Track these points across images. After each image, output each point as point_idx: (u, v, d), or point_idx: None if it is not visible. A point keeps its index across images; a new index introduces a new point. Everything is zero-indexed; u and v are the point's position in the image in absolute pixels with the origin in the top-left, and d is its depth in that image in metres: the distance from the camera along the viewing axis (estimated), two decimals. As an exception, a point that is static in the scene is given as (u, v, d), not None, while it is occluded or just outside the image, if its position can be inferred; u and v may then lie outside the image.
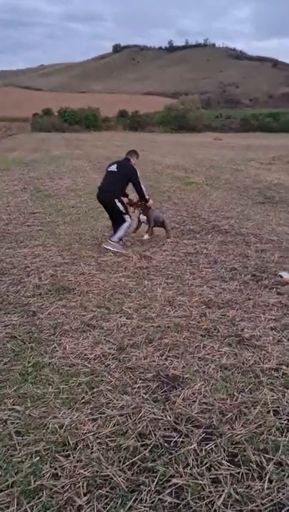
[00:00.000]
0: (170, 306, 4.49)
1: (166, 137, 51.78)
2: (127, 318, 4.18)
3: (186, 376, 3.19)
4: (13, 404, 2.83)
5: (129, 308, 4.43)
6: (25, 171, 17.17)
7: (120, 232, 6.67)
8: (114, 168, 6.72)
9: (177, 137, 52.32)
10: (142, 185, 6.78)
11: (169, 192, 12.42)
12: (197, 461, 2.36)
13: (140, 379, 3.14)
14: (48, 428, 2.61)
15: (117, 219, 6.76)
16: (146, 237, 7.23)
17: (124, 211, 6.67)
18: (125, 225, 6.68)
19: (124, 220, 6.68)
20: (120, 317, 4.21)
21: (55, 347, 3.62)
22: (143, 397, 2.93)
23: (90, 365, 3.32)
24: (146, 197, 6.90)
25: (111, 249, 6.50)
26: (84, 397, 2.92)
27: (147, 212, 7.12)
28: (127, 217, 6.70)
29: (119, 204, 6.62)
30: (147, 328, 4.00)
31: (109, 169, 6.77)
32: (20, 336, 3.83)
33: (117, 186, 6.69)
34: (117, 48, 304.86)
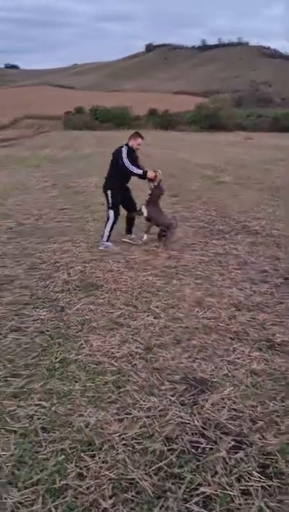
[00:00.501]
0: (198, 307, 4.41)
1: (197, 136, 51.38)
2: (154, 318, 4.12)
3: (214, 380, 3.10)
4: (40, 400, 2.81)
5: (157, 307, 4.36)
6: (55, 168, 17.33)
7: (105, 231, 6.59)
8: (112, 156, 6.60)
9: (207, 136, 51.82)
10: (130, 165, 6.34)
11: (198, 191, 12.28)
12: (226, 470, 2.28)
13: (167, 380, 3.08)
14: (74, 426, 2.57)
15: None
16: (145, 237, 6.86)
17: (110, 205, 6.56)
18: (108, 222, 6.58)
19: (107, 217, 6.62)
20: (148, 316, 4.15)
21: (82, 344, 3.59)
22: (170, 399, 2.86)
23: (116, 364, 3.28)
24: (140, 172, 6.40)
25: (103, 248, 6.46)
26: (110, 396, 2.87)
27: (155, 199, 6.72)
28: (110, 212, 6.57)
29: (109, 196, 6.56)
30: (175, 328, 3.93)
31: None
32: (48, 331, 3.82)
33: (110, 174, 6.61)
34: (149, 47, 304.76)
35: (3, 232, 7.44)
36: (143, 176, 6.44)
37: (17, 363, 3.27)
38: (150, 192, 6.70)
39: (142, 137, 6.60)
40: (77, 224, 8.15)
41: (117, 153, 6.47)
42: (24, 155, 23.31)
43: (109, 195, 6.55)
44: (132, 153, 6.45)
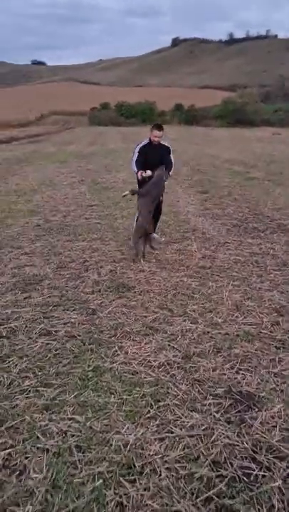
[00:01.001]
0: (238, 312, 4.14)
1: (223, 131, 50.62)
2: (191, 323, 3.87)
3: (262, 395, 2.84)
4: (74, 414, 2.61)
5: (194, 311, 4.11)
6: (82, 164, 17.20)
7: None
8: None
9: (234, 131, 50.99)
10: (132, 162, 6.06)
11: (228, 187, 11.93)
12: (283, 503, 2.02)
13: (210, 394, 2.83)
14: (112, 445, 2.35)
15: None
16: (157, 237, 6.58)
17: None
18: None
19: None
20: (184, 321, 3.91)
21: (116, 350, 3.38)
22: (214, 416, 2.61)
23: (154, 374, 3.05)
24: (134, 169, 6.02)
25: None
26: (149, 411, 2.65)
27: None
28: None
29: None
30: (214, 335, 3.67)
31: None
32: (79, 335, 3.63)
33: None
34: (175, 42, 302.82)
35: (31, 230, 7.30)
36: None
37: (48, 370, 3.08)
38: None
39: (158, 129, 6.12)
40: (106, 221, 7.95)
41: None
42: (50, 151, 23.32)
43: None
44: (147, 147, 6.14)
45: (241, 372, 3.12)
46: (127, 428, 2.48)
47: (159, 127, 6.10)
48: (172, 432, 2.46)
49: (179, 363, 3.21)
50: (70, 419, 2.55)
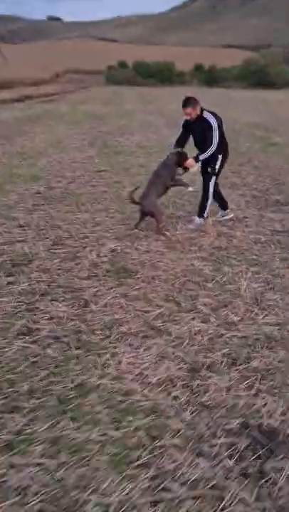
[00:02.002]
0: (257, 307, 3.46)
1: (244, 93, 48.40)
2: (202, 322, 3.21)
3: (288, 432, 2.20)
4: (42, 456, 2.00)
5: (205, 305, 3.45)
6: (95, 125, 16.26)
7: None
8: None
9: (255, 93, 48.67)
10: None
11: (248, 153, 11.00)
12: None
13: (222, 429, 2.20)
14: (85, 512, 1.74)
15: None
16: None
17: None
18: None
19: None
20: (193, 319, 3.25)
21: (107, 359, 2.75)
22: (226, 465, 1.99)
23: (151, 396, 2.42)
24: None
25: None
26: (141, 455, 2.02)
27: None
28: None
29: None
30: (229, 339, 3.02)
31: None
32: (66, 336, 3.00)
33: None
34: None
35: (30, 197, 6.62)
36: None
37: (20, 386, 2.47)
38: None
39: (184, 106, 5.24)
40: (114, 189, 7.22)
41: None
42: (63, 110, 22.31)
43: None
44: (189, 121, 5.30)
45: (261, 394, 2.47)
46: (110, 482, 1.86)
47: (184, 104, 5.21)
48: (169, 490, 1.84)
49: (183, 380, 2.57)
50: (36, 465, 1.94)
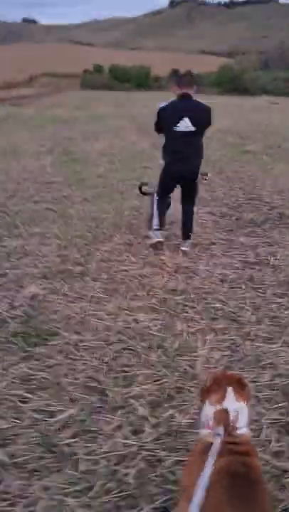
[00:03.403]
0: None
1: (218, 99, 47.76)
2: (133, 434, 2.11)
3: None
4: None
5: (142, 397, 2.36)
6: (60, 130, 15.16)
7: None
8: (189, 123, 4.13)
9: (230, 99, 48.11)
10: None
11: (220, 162, 10.06)
12: None
13: None
14: None
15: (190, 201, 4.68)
16: None
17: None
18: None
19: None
20: (118, 429, 2.14)
21: None
22: None
23: None
24: None
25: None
26: None
27: None
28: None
29: (198, 185, 4.68)
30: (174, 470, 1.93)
31: (181, 127, 4.16)
32: None
33: (198, 152, 4.43)
34: (173, 3, 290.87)
35: None
36: None
37: None
38: None
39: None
40: (60, 206, 6.14)
41: (207, 111, 4.31)
42: (30, 114, 21.20)
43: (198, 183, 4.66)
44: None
45: None
46: None
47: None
48: None
49: None
50: None
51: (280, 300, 3.52)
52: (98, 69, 73.90)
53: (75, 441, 2.01)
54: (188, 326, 3.04)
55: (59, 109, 24.95)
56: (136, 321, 3.08)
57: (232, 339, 2.90)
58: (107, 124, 17.65)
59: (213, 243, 4.86)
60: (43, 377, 2.46)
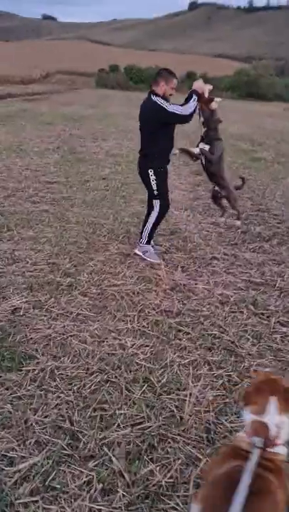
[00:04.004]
0: (208, 446, 2.08)
1: (233, 103, 47.47)
2: (103, 496, 1.78)
3: None
4: None
5: (118, 444, 2.04)
6: (68, 128, 14.87)
7: (148, 227, 4.29)
8: (141, 119, 4.27)
9: (244, 104, 47.74)
10: (180, 107, 4.05)
11: (230, 169, 9.71)
12: None
13: None
14: None
15: (148, 202, 4.37)
16: (238, 223, 5.67)
17: (156, 189, 4.16)
18: (153, 215, 4.26)
19: (151, 207, 4.27)
20: (86, 486, 1.82)
21: None
22: None
23: None
24: (194, 103, 4.14)
25: (141, 255, 4.27)
26: None
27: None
28: (157, 202, 4.21)
29: (152, 178, 4.12)
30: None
31: (139, 123, 4.29)
32: None
33: (149, 145, 4.15)
34: (192, 5, 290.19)
35: None
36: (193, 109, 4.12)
37: None
38: (206, 124, 4.97)
39: (176, 77, 4.28)
40: (58, 209, 5.85)
41: (153, 110, 4.02)
42: (42, 111, 20.91)
43: (152, 176, 4.14)
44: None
45: None
46: None
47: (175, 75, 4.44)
48: None
49: None
50: None
51: (284, 329, 3.19)
52: (114, 68, 73.95)
53: (34, 501, 1.69)
54: (180, 357, 2.71)
55: (71, 106, 24.71)
56: (122, 346, 2.76)
57: (228, 375, 2.57)
58: (117, 123, 17.39)
59: (216, 258, 4.53)
60: (9, 411, 2.15)
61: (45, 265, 3.98)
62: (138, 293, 3.52)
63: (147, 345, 2.80)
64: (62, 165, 8.81)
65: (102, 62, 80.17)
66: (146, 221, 4.33)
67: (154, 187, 4.14)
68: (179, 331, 3.01)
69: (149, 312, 3.22)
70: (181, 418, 2.18)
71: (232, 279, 4.02)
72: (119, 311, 3.22)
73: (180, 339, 2.90)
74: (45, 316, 3.08)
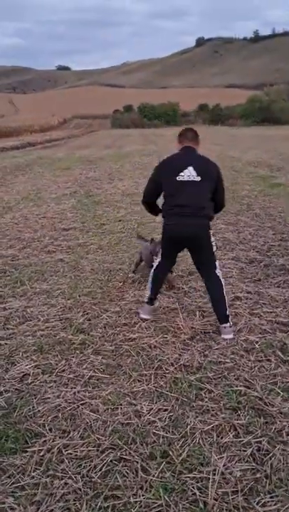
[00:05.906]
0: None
1: (248, 130, 47.67)
2: None
3: None
4: None
5: None
6: (85, 171, 15.06)
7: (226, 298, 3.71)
8: (194, 174, 3.42)
9: (259, 130, 47.82)
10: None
11: (249, 198, 9.52)
12: None
13: None
14: None
15: (208, 263, 3.66)
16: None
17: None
18: (223, 284, 3.73)
19: (216, 278, 3.67)
20: None
21: None
22: None
23: None
24: None
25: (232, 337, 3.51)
26: None
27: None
28: (218, 270, 3.73)
29: (212, 238, 3.59)
30: None
31: (184, 177, 3.43)
32: None
33: (208, 205, 3.54)
34: (199, 42, 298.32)
35: None
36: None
37: None
38: None
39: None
40: (73, 257, 5.70)
41: (216, 167, 3.63)
42: (59, 156, 21.38)
43: (212, 237, 3.60)
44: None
45: None
46: None
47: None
48: None
49: None
50: None
51: None
52: (128, 108, 76.19)
53: None
54: (202, 421, 2.41)
55: (88, 149, 25.23)
56: (138, 413, 2.49)
57: (258, 441, 2.26)
58: (132, 161, 17.55)
59: (238, 298, 4.25)
60: (10, 507, 1.90)
61: (57, 321, 3.78)
62: (155, 346, 3.26)
63: (166, 410, 2.52)
64: (78, 209, 8.78)
65: (116, 103, 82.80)
66: (221, 296, 3.60)
67: (214, 248, 3.62)
68: (200, 389, 2.72)
69: (166, 369, 2.95)
70: (205, 504, 1.87)
71: (257, 321, 3.72)
72: (134, 369, 2.96)
73: (202, 399, 2.61)
74: (54, 382, 2.85)
